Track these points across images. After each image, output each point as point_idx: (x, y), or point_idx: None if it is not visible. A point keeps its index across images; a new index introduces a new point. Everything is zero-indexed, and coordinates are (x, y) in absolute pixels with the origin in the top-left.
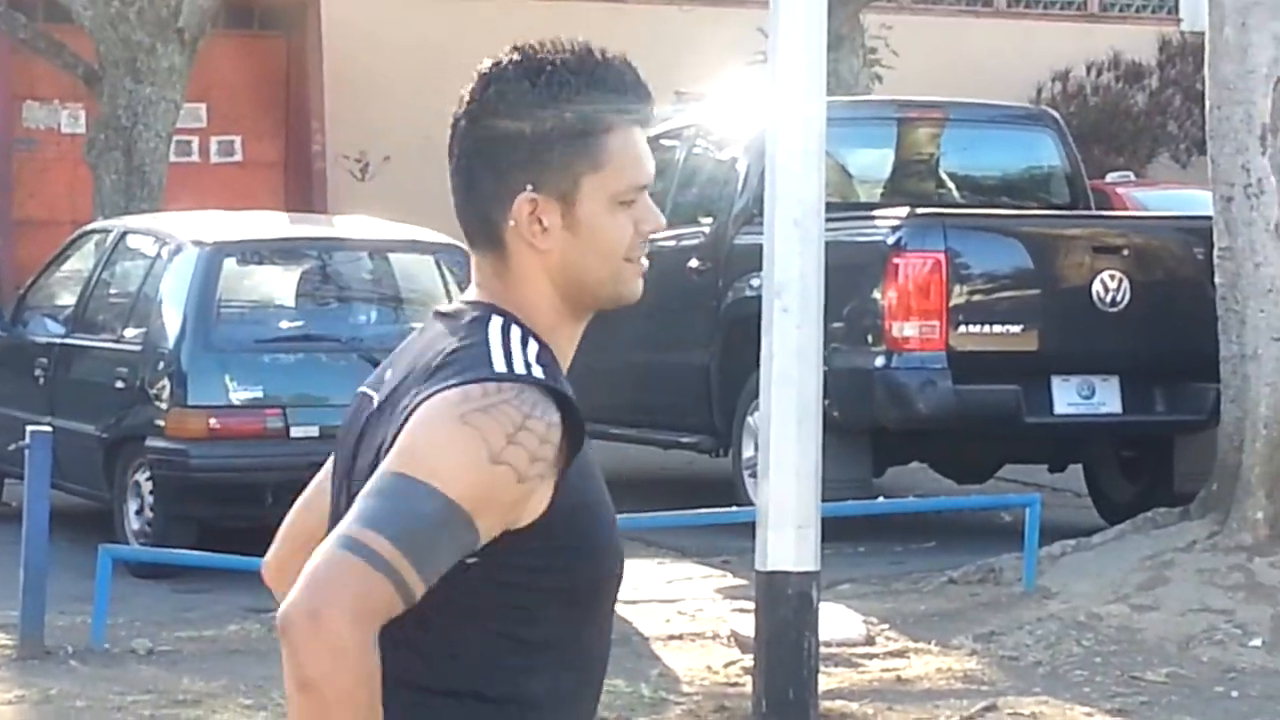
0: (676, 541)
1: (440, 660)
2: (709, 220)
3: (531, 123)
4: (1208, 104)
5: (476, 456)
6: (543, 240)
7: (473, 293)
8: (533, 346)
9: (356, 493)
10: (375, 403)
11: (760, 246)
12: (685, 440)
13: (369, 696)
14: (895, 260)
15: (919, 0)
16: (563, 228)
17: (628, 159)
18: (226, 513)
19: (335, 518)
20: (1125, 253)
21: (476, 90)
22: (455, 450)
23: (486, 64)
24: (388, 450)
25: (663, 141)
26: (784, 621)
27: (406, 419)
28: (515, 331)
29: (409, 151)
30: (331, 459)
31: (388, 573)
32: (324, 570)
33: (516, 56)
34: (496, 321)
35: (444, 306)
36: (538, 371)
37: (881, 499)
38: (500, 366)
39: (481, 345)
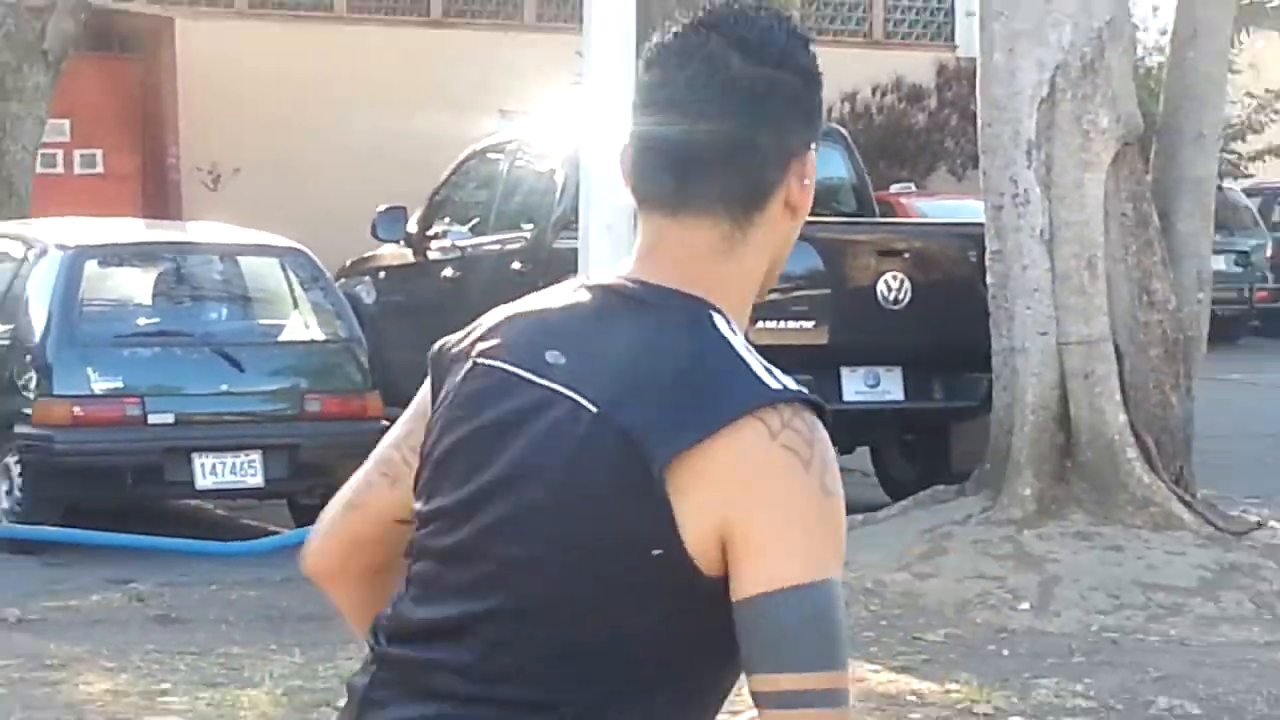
0: None
1: None
2: (530, 226)
3: (816, 79)
4: (980, 122)
5: (841, 519)
6: (806, 206)
7: (661, 270)
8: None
9: (498, 479)
10: (573, 406)
11: (576, 250)
12: None
13: None
14: None
15: None
16: None
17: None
18: (89, 493)
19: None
20: (906, 256)
21: (758, 35)
22: (832, 525)
23: (752, 5)
24: (664, 517)
25: (488, 155)
26: None
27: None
28: (739, 332)
29: (257, 165)
30: (402, 431)
31: (848, 701)
32: None
33: (766, 8)
34: (721, 321)
35: (614, 283)
36: (792, 384)
37: None
38: (774, 384)
39: (734, 356)
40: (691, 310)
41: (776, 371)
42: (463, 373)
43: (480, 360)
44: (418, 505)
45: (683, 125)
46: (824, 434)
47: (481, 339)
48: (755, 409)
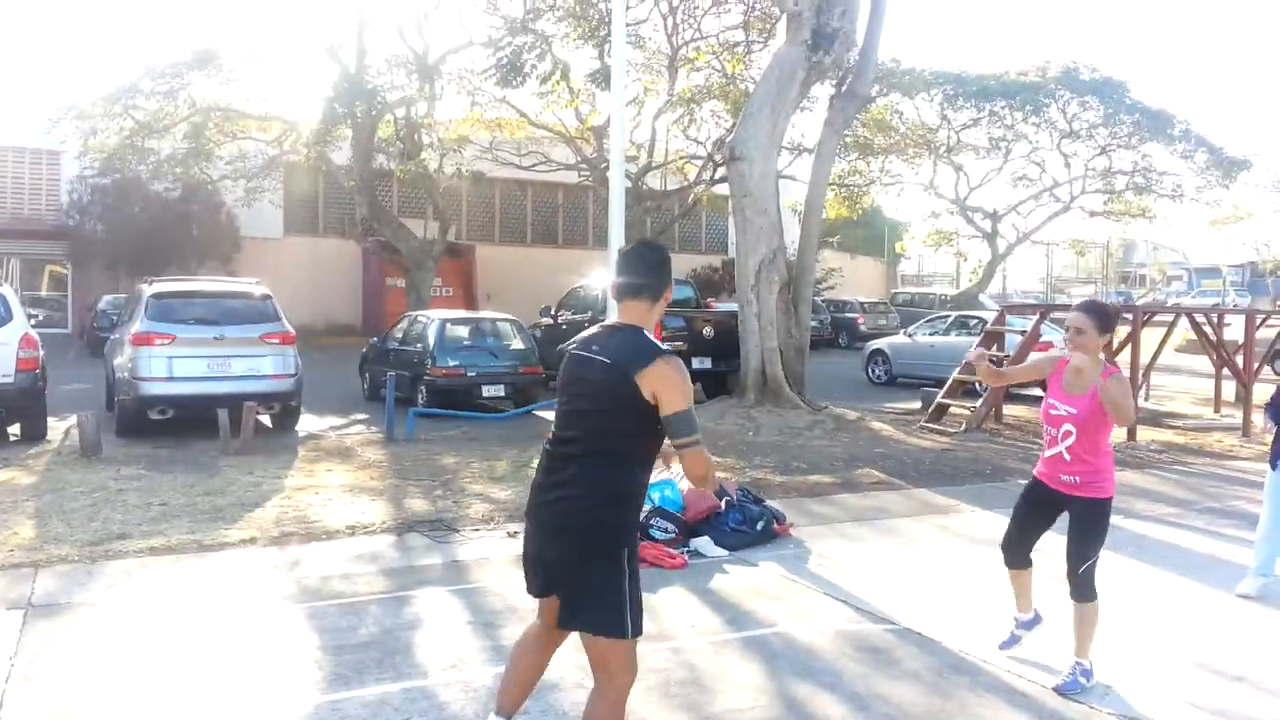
0: None
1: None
2: (589, 312)
3: (668, 261)
4: (736, 280)
5: (690, 389)
6: (668, 301)
7: (625, 319)
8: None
9: (601, 403)
10: (602, 362)
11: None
12: None
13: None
14: None
15: None
16: None
17: None
18: (451, 400)
19: (561, 403)
20: (711, 320)
21: (653, 247)
22: (687, 390)
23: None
24: (638, 393)
25: (576, 290)
26: None
27: (647, 376)
28: (652, 336)
29: (502, 293)
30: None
31: (703, 445)
32: (702, 459)
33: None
34: (645, 331)
35: (612, 323)
36: (668, 349)
37: None
38: (665, 349)
39: (652, 342)
40: (636, 329)
41: (665, 347)
42: (568, 357)
43: (572, 352)
44: (559, 398)
45: (630, 277)
46: (681, 363)
47: (573, 345)
48: (659, 355)
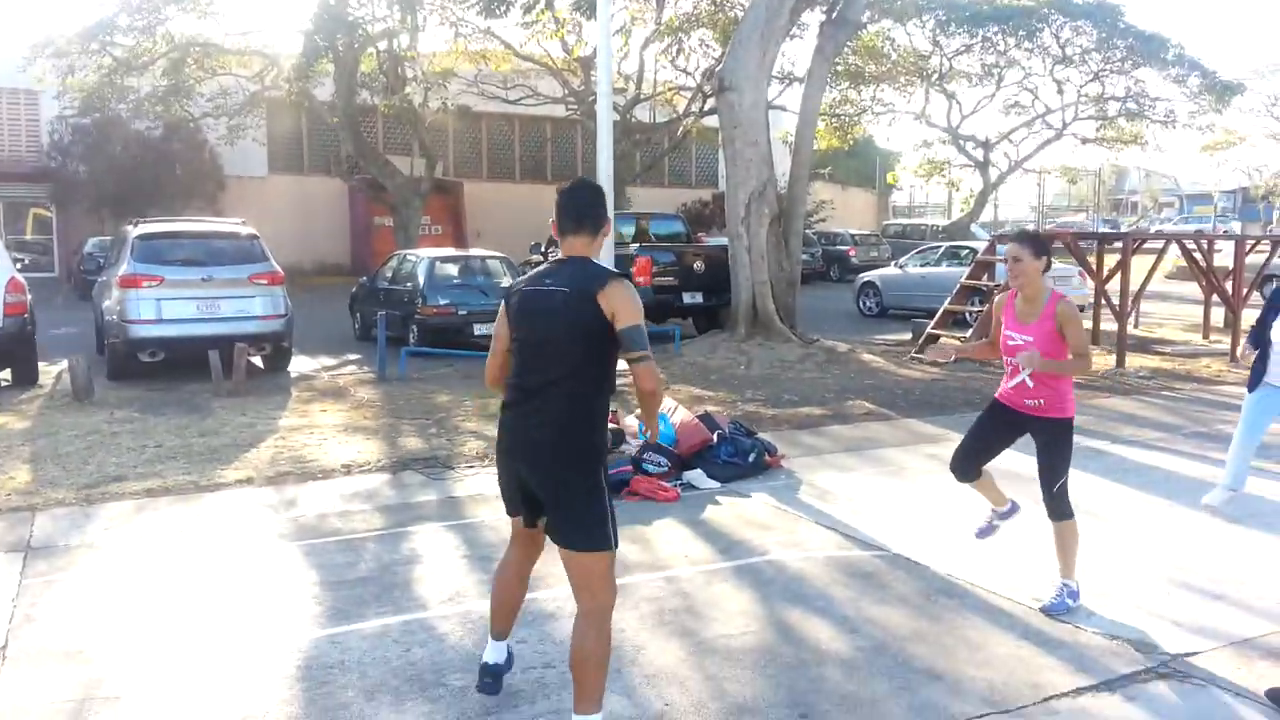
0: None
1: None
2: None
3: (604, 199)
4: (727, 213)
5: (640, 305)
6: (608, 233)
7: (572, 252)
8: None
9: (568, 331)
10: (562, 291)
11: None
12: None
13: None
14: None
15: None
16: None
17: None
18: (439, 338)
19: (528, 333)
20: (703, 255)
21: (591, 186)
22: (638, 307)
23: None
24: (600, 312)
25: None
26: None
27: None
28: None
29: (494, 229)
30: (499, 322)
31: (653, 359)
32: (652, 373)
33: None
34: (593, 261)
35: (562, 258)
36: (619, 273)
37: None
38: (615, 272)
39: (604, 268)
40: (584, 259)
41: (616, 271)
42: (519, 295)
43: (524, 289)
44: (515, 336)
45: (569, 214)
46: (631, 284)
47: (522, 283)
48: (613, 277)
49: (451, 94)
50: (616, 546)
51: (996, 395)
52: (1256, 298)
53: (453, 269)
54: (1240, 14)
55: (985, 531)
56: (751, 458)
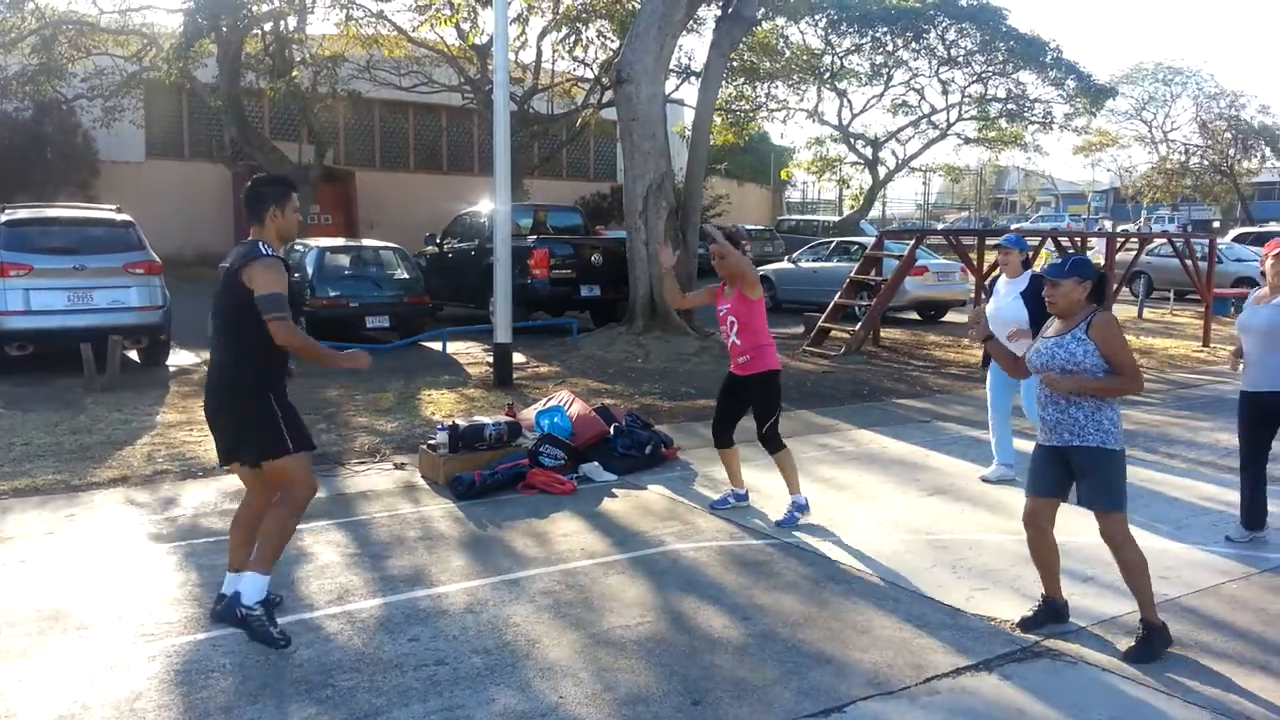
0: None
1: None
2: (475, 241)
3: (265, 195)
4: (625, 206)
5: (278, 279)
6: (282, 221)
7: (254, 235)
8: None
9: (223, 298)
10: (225, 267)
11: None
12: None
13: (303, 341)
14: None
15: None
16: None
17: None
18: (330, 331)
19: (213, 314)
20: (600, 248)
21: (258, 181)
22: (277, 277)
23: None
24: (242, 285)
25: (460, 219)
26: None
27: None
28: (268, 249)
29: (388, 222)
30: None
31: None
32: (282, 330)
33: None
34: (262, 244)
35: (248, 239)
36: (269, 253)
37: None
38: (265, 251)
39: (260, 247)
40: (252, 241)
41: (270, 252)
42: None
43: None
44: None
45: (246, 204)
46: (277, 263)
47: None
48: (258, 256)
49: (342, 79)
50: (299, 449)
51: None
52: (1126, 293)
53: (344, 259)
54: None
55: (720, 504)
56: (648, 450)
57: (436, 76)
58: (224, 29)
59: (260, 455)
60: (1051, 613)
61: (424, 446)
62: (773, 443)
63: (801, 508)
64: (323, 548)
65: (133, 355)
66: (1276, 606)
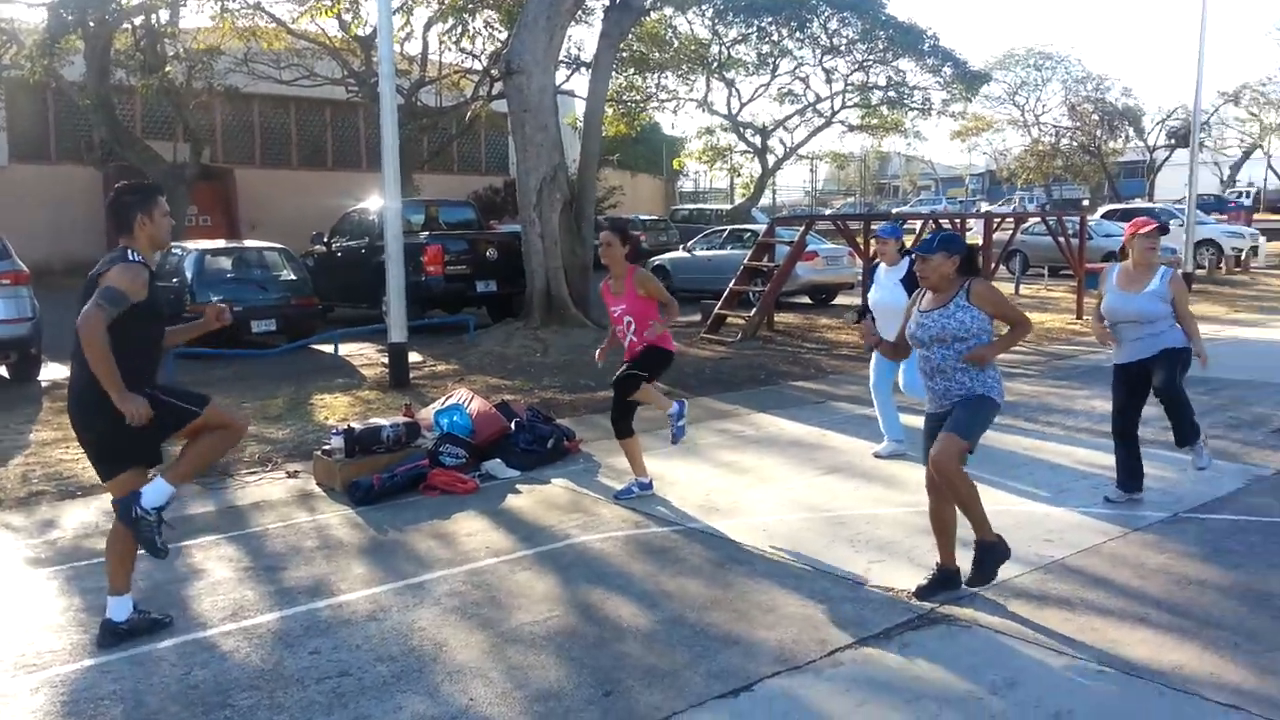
0: None
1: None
2: (365, 239)
3: (127, 204)
4: (518, 199)
5: (135, 280)
6: (152, 227)
7: (126, 244)
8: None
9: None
10: (92, 274)
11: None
12: None
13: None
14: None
15: None
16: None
17: None
18: (213, 336)
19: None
20: (495, 242)
21: (115, 190)
22: (135, 279)
23: None
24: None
25: (348, 215)
26: None
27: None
28: (134, 255)
29: (270, 223)
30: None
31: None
32: (83, 315)
33: None
34: (132, 250)
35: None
36: (133, 257)
37: None
38: (132, 258)
39: (127, 254)
40: (121, 248)
41: (135, 258)
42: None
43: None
44: None
45: (113, 215)
46: (136, 268)
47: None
48: (120, 261)
49: (218, 73)
50: (140, 464)
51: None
52: (1003, 270)
53: (225, 262)
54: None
55: (624, 494)
56: (550, 444)
57: (319, 69)
58: (91, 24)
59: (107, 469)
60: (945, 579)
61: (318, 452)
62: (627, 385)
63: (643, 486)
64: (214, 563)
65: (1, 371)
66: (1153, 561)
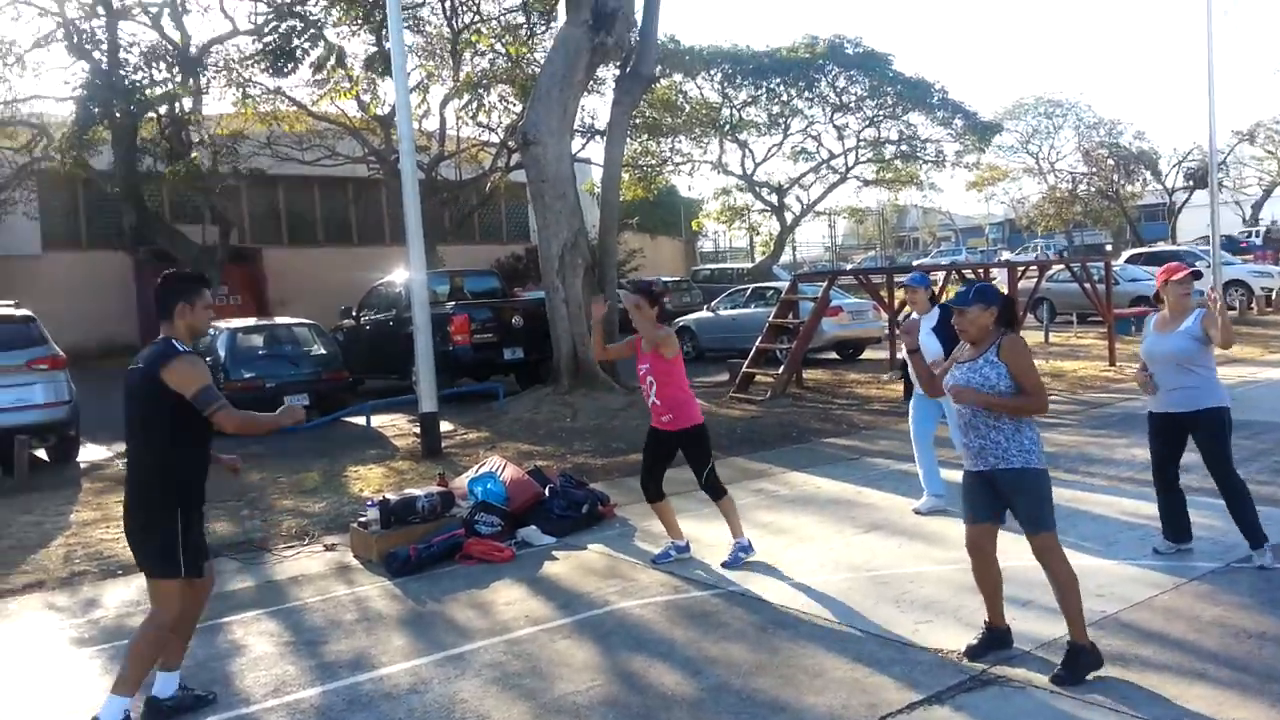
0: None
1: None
2: (393, 311)
3: (173, 291)
4: (541, 266)
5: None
6: (193, 317)
7: (164, 332)
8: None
9: (135, 402)
10: (138, 369)
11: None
12: None
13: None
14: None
15: None
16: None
17: None
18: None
19: (129, 418)
20: (520, 309)
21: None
22: (195, 372)
23: None
24: (161, 386)
25: (376, 289)
26: None
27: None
28: (180, 345)
29: (299, 298)
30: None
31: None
32: (222, 421)
33: None
34: (175, 340)
35: (160, 337)
36: (177, 348)
37: None
38: (178, 349)
39: (170, 345)
40: (165, 339)
41: (182, 347)
42: (127, 375)
43: (128, 369)
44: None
45: (157, 301)
46: (195, 359)
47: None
48: (176, 354)
49: (243, 157)
50: (176, 575)
51: (651, 424)
52: (1031, 319)
53: (257, 339)
54: (991, 56)
55: (662, 558)
56: (585, 509)
57: (340, 149)
58: (117, 114)
59: (150, 567)
60: (995, 639)
61: (355, 525)
62: (715, 490)
63: (745, 549)
64: (255, 638)
65: (41, 454)
66: (1208, 614)
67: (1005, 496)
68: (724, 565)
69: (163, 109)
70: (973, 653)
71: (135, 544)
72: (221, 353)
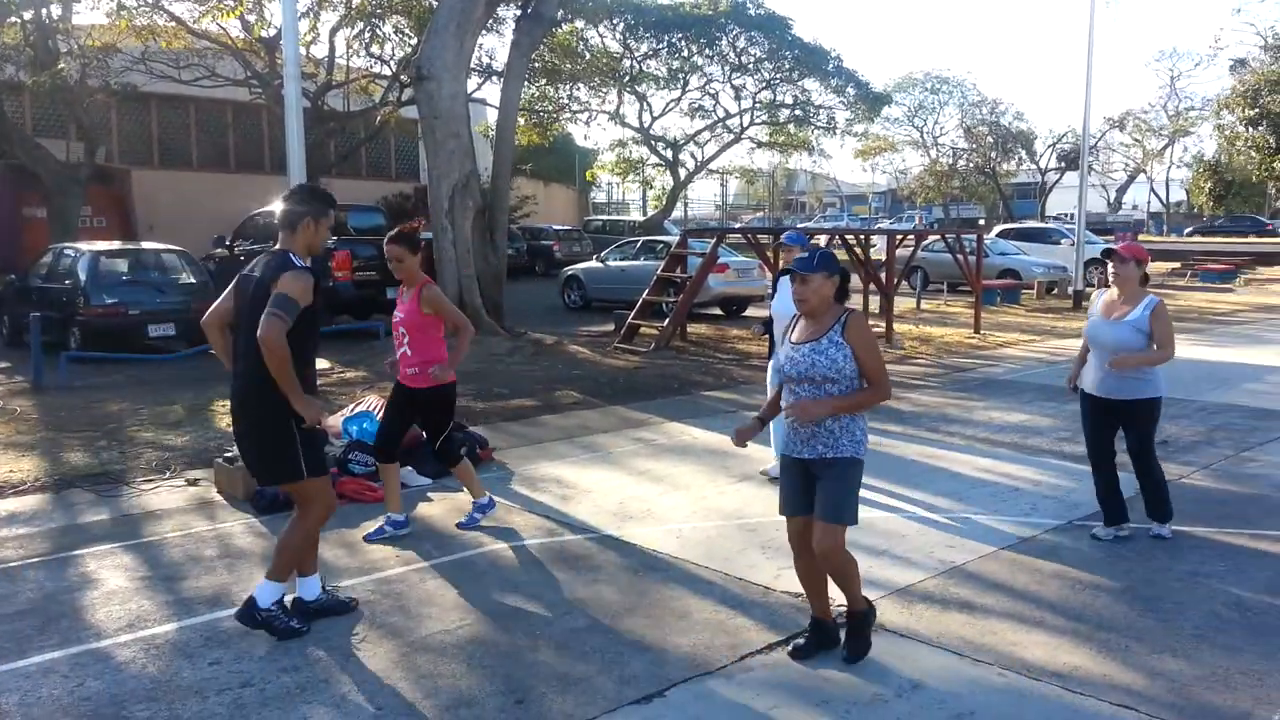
0: None
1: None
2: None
3: (301, 208)
4: (430, 205)
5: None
6: (310, 233)
7: (281, 244)
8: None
9: (254, 304)
10: (255, 277)
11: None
12: None
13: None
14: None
15: None
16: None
17: None
18: (108, 342)
19: (237, 313)
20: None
21: (292, 191)
22: (296, 286)
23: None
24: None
25: (253, 218)
26: None
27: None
28: (297, 257)
29: (167, 224)
30: (234, 290)
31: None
32: (266, 325)
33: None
34: (291, 254)
35: (273, 249)
36: (302, 264)
37: None
38: (298, 264)
39: (289, 258)
40: (281, 251)
41: (299, 261)
42: (238, 279)
43: (241, 274)
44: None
45: (280, 212)
46: (304, 275)
47: (243, 270)
48: (283, 270)
49: (115, 72)
50: (313, 475)
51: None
52: (905, 286)
53: (121, 264)
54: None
55: (375, 535)
56: (463, 452)
57: (221, 70)
58: None
59: (272, 479)
60: (824, 637)
61: (220, 460)
62: (448, 456)
63: (483, 508)
64: (110, 572)
65: None
66: (1050, 567)
67: (816, 480)
68: (459, 526)
69: (28, 14)
70: (800, 653)
71: (251, 454)
72: (82, 276)
